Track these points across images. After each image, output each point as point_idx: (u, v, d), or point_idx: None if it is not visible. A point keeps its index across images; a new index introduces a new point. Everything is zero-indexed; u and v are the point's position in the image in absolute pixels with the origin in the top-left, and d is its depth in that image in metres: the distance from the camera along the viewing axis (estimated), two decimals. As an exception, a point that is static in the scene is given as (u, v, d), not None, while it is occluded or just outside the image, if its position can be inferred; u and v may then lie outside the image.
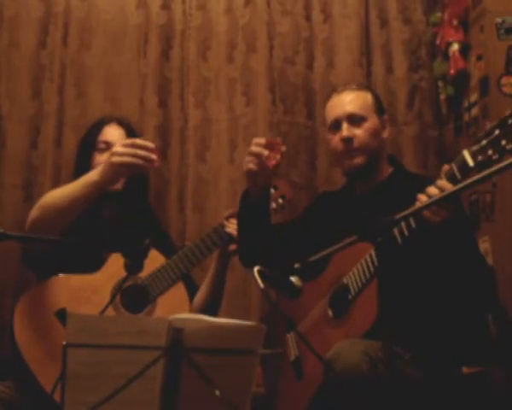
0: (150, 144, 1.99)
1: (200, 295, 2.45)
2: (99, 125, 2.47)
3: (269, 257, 2.22)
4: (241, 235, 2.33)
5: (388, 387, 1.68)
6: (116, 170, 2.00)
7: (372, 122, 2.27)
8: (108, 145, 2.37)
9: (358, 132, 2.24)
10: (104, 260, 2.25)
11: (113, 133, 2.43)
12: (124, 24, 3.45)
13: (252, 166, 2.13)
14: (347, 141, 2.24)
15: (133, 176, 2.24)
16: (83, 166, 2.39)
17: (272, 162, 2.11)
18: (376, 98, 2.36)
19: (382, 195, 2.22)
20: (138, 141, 2.00)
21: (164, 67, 3.43)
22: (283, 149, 2.13)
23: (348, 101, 2.30)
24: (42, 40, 3.40)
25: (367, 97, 2.32)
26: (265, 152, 2.11)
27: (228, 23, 3.47)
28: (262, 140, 2.14)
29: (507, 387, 2.25)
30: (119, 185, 2.33)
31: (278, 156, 2.11)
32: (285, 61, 3.47)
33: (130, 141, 2.00)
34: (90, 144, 2.44)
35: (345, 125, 2.25)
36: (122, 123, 2.48)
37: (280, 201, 2.47)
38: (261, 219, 2.26)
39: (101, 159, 2.30)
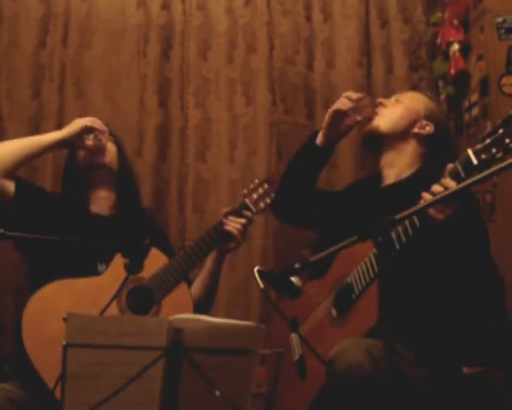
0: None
1: (194, 290, 2.44)
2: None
3: (300, 216, 2.43)
4: (287, 179, 2.44)
5: (391, 386, 1.68)
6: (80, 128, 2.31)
7: None
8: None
9: None
10: (105, 262, 2.25)
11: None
12: (124, 24, 3.45)
13: (342, 105, 2.28)
14: None
15: (122, 183, 2.43)
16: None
17: (357, 117, 2.26)
18: None
19: (385, 197, 2.21)
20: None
21: (164, 67, 3.43)
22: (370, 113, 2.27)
23: None
24: (41, 40, 3.40)
25: None
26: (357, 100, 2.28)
27: (228, 23, 3.47)
28: (356, 95, 2.31)
29: (507, 387, 2.25)
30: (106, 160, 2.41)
31: (359, 117, 2.26)
32: (285, 61, 3.47)
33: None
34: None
35: None
36: None
37: (273, 195, 2.46)
38: (315, 170, 2.39)
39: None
